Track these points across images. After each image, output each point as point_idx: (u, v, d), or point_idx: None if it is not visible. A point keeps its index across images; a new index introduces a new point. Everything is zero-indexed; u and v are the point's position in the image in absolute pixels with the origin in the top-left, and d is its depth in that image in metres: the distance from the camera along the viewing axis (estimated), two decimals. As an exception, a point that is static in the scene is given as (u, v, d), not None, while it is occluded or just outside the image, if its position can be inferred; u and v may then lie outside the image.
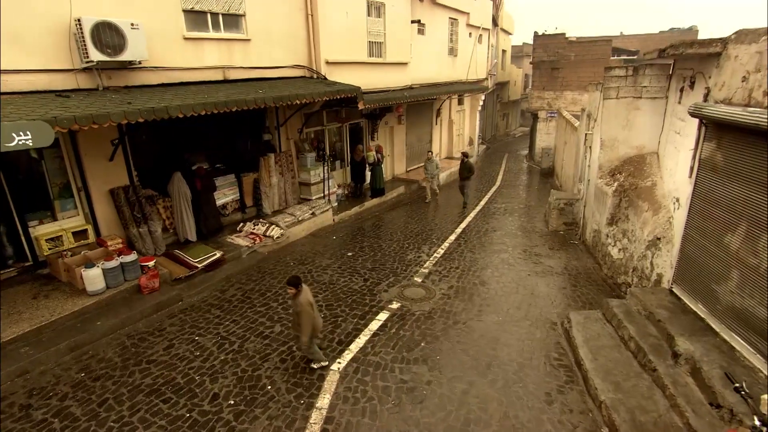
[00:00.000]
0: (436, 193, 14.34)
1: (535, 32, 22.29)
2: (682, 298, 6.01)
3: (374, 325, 6.67)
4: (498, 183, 17.84)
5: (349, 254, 9.55)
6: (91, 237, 7.74)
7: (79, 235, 7.61)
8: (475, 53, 19.12)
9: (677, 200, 6.61)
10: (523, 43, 36.99)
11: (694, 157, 6.00)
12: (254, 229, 9.69)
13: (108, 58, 6.66)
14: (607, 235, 8.62)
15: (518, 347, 6.15)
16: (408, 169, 16.84)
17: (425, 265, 8.95)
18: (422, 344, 6.19)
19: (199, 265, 8.01)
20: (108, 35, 6.60)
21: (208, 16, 8.49)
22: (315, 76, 10.77)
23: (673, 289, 6.25)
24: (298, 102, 8.65)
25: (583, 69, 20.70)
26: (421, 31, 15.00)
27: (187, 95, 7.24)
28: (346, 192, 13.22)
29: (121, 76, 7.31)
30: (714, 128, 5.50)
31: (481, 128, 24.43)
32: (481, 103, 22.73)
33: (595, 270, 8.83)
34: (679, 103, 7.15)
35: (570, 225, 11.14)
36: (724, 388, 4.31)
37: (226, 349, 6.05)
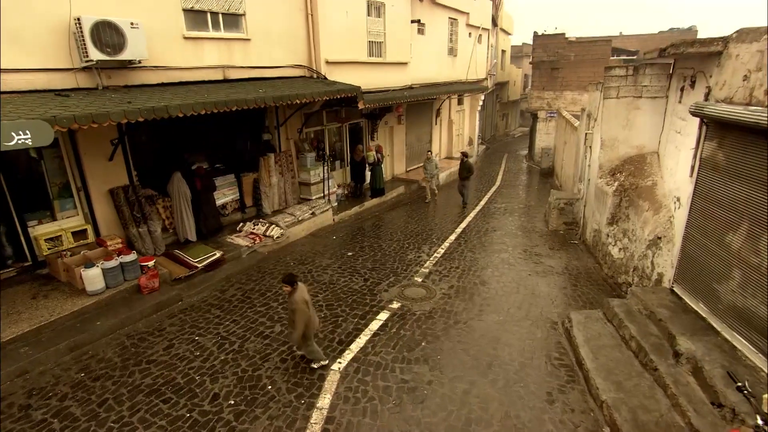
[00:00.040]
0: (434, 193, 14.34)
1: (535, 32, 22.29)
2: (683, 297, 6.00)
3: (375, 325, 6.66)
4: (498, 183, 17.83)
5: (349, 254, 9.54)
6: (91, 237, 7.72)
7: (79, 235, 7.60)
8: (475, 53, 19.13)
9: (678, 199, 6.61)
10: (523, 44, 37.01)
11: (695, 157, 5.99)
12: (254, 229, 9.67)
13: (108, 58, 6.65)
14: (608, 235, 8.61)
15: (519, 347, 6.14)
16: (408, 169, 16.84)
17: (425, 265, 8.94)
18: (423, 344, 6.18)
19: (198, 265, 7.99)
20: (108, 34, 6.59)
21: (208, 15, 8.47)
22: (315, 75, 10.76)
23: (674, 289, 6.24)
24: (298, 102, 8.64)
25: (583, 69, 20.71)
26: (420, 31, 14.99)
27: (187, 95, 7.23)
28: (346, 192, 13.21)
29: (121, 76, 7.29)
30: (715, 127, 5.49)
31: (480, 128, 24.43)
32: (481, 103, 22.73)
33: (596, 270, 8.82)
34: (680, 102, 7.15)
35: (570, 225, 11.14)
36: (725, 387, 4.30)
37: (227, 349, 6.03)
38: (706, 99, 5.85)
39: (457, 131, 20.88)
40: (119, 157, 7.77)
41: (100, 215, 7.79)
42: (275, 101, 8.04)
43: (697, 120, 5.90)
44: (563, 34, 21.56)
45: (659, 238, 6.80)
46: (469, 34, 18.76)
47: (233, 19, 8.95)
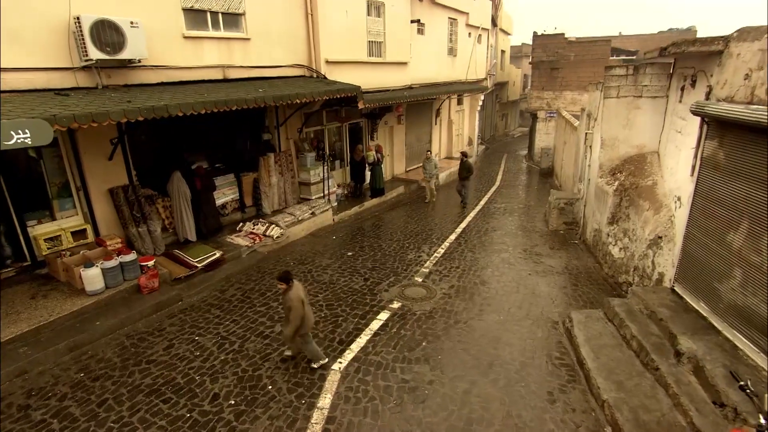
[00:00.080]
0: (433, 193, 14.32)
1: (535, 32, 22.30)
2: (684, 296, 5.99)
3: (375, 325, 6.64)
4: (497, 183, 17.83)
5: (349, 254, 9.52)
6: (90, 237, 7.70)
7: (78, 234, 7.57)
8: (475, 53, 19.13)
9: (678, 199, 6.60)
10: (522, 44, 37.03)
11: (695, 156, 5.99)
12: (254, 228, 9.65)
13: (107, 57, 6.63)
14: (608, 235, 8.61)
15: (520, 346, 6.13)
16: (407, 169, 16.83)
17: (426, 265, 8.93)
18: (423, 344, 6.17)
19: (198, 265, 7.97)
20: (107, 33, 6.57)
21: (208, 14, 8.46)
22: (315, 75, 10.75)
23: (675, 288, 6.24)
24: (298, 101, 8.62)
25: (583, 69, 20.72)
26: (420, 31, 14.99)
27: (187, 94, 7.21)
28: (346, 192, 13.19)
29: (121, 75, 7.27)
30: (716, 126, 5.49)
31: (480, 128, 24.43)
32: (481, 103, 22.73)
33: (596, 269, 8.82)
34: (680, 101, 7.14)
35: (570, 224, 11.13)
36: (727, 386, 4.29)
37: (227, 349, 6.02)
38: (707, 98, 5.85)
39: (457, 131, 20.87)
40: (119, 156, 7.75)
41: (99, 215, 7.76)
42: (275, 101, 8.02)
43: (697, 119, 5.89)
44: (563, 34, 21.57)
45: (660, 237, 6.79)
46: (469, 34, 18.77)
47: (233, 19, 8.94)
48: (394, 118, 15.31)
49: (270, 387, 5.28)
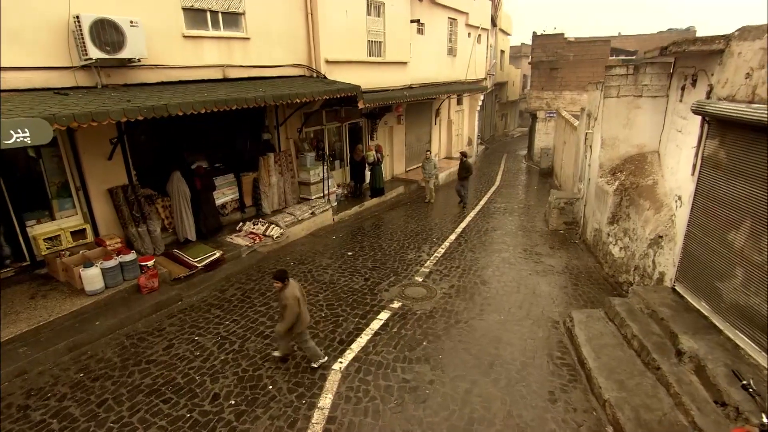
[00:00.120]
0: (432, 194, 14.30)
1: (534, 32, 22.32)
2: (685, 296, 5.98)
3: (375, 325, 6.63)
4: (497, 183, 17.82)
5: (350, 254, 9.51)
6: (90, 236, 7.68)
7: (78, 234, 7.55)
8: (474, 53, 19.13)
9: (679, 198, 6.60)
10: (522, 44, 37.06)
11: (696, 155, 5.98)
12: (254, 228, 9.64)
13: (107, 56, 6.61)
14: (608, 234, 8.60)
15: (521, 346, 6.12)
16: (407, 169, 16.82)
17: (426, 265, 8.91)
18: (424, 343, 6.15)
19: (198, 265, 7.95)
20: (107, 32, 6.55)
21: (208, 14, 8.45)
22: (315, 75, 10.73)
23: (676, 287, 6.23)
24: (298, 101, 8.61)
25: (582, 69, 20.74)
26: (420, 31, 14.98)
27: (187, 93, 7.19)
28: (346, 192, 13.18)
29: (120, 74, 7.26)
30: (717, 125, 5.48)
31: (479, 128, 24.43)
32: (480, 103, 22.73)
33: (596, 269, 8.81)
34: (681, 101, 7.14)
35: (570, 224, 11.13)
36: (729, 385, 4.28)
37: (227, 349, 6.00)
38: (708, 97, 5.84)
39: (457, 131, 20.87)
40: (118, 156, 7.73)
41: (99, 215, 7.74)
42: (275, 100, 8.01)
43: (698, 118, 5.88)
44: (562, 34, 21.59)
45: (660, 236, 6.78)
46: (469, 34, 18.77)
47: (233, 18, 8.92)
48: (393, 118, 15.30)
49: (270, 387, 5.26)
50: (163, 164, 8.60)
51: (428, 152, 14.65)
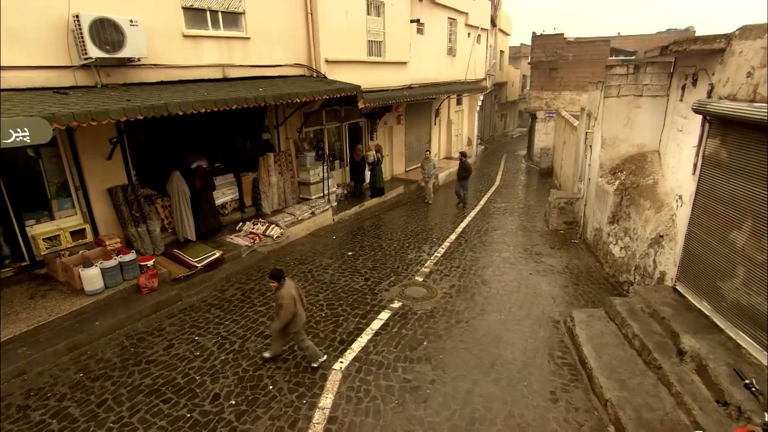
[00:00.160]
0: (430, 194, 14.28)
1: (534, 32, 22.35)
2: (686, 295, 5.98)
3: (376, 324, 6.61)
4: (497, 183, 17.82)
5: (350, 254, 9.49)
6: (89, 236, 7.65)
7: (77, 234, 7.53)
8: (474, 53, 19.13)
9: (680, 198, 6.59)
10: (521, 44, 37.10)
11: (697, 154, 5.98)
12: (254, 228, 9.62)
13: (106, 55, 6.59)
14: (609, 234, 8.59)
15: (522, 346, 6.11)
16: (407, 169, 16.81)
17: (426, 264, 8.90)
18: (425, 343, 6.14)
19: (198, 265, 7.93)
20: (107, 32, 6.53)
21: (208, 13, 8.43)
22: (315, 74, 10.72)
23: (677, 287, 6.22)
24: (298, 100, 8.60)
25: (582, 69, 20.75)
26: (420, 31, 14.98)
27: (187, 93, 7.18)
28: (346, 192, 13.17)
29: (120, 74, 7.24)
30: (718, 124, 5.48)
31: (479, 128, 24.43)
32: (480, 103, 22.73)
33: (597, 269, 8.80)
34: (681, 100, 7.13)
35: (570, 224, 11.12)
36: (731, 385, 4.27)
37: (227, 349, 5.98)
38: (709, 96, 5.84)
39: (456, 131, 20.87)
40: (118, 156, 7.71)
41: (98, 215, 7.72)
42: (275, 100, 8.00)
43: (699, 118, 5.88)
44: (562, 34, 21.61)
45: (661, 236, 6.78)
46: (468, 34, 18.76)
47: (233, 18, 8.91)
48: (393, 118, 15.29)
49: (271, 387, 5.25)
50: (163, 164, 8.58)
51: (428, 152, 14.64)
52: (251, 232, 9.51)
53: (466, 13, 17.84)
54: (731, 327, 5.05)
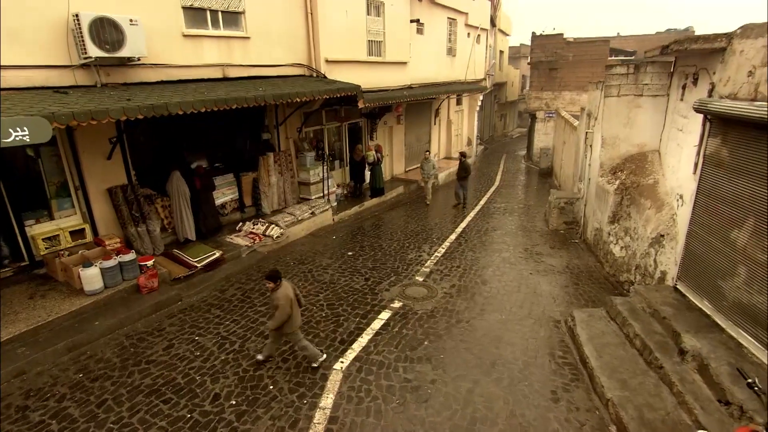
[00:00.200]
0: (429, 194, 14.27)
1: (533, 32, 22.36)
2: (687, 294, 5.97)
3: (376, 324, 6.60)
4: (497, 183, 17.81)
5: (350, 254, 9.48)
6: (89, 236, 7.64)
7: (77, 234, 7.51)
8: (474, 53, 19.13)
9: (681, 197, 6.58)
10: (521, 45, 37.13)
11: (698, 154, 5.97)
12: (254, 228, 9.60)
13: (106, 54, 6.57)
14: (609, 233, 8.59)
15: (522, 345, 6.10)
16: (407, 169, 16.80)
17: (426, 264, 8.89)
18: (425, 343, 6.13)
19: (198, 265, 7.92)
20: (106, 31, 6.52)
21: (208, 13, 8.42)
22: (315, 74, 10.71)
23: (678, 286, 6.22)
24: (298, 100, 8.59)
25: (581, 69, 20.76)
26: (420, 31, 14.98)
27: (187, 92, 7.16)
28: (346, 192, 13.15)
29: (120, 73, 7.22)
30: (719, 124, 5.47)
31: (479, 129, 24.43)
32: (479, 103, 22.73)
33: (597, 268, 8.79)
34: (682, 100, 7.13)
35: (570, 224, 11.11)
36: (732, 384, 4.26)
37: (227, 349, 5.96)
38: (710, 95, 5.84)
39: (456, 131, 20.86)
40: (118, 155, 7.69)
41: (98, 214, 7.70)
42: (275, 99, 7.98)
43: (699, 117, 5.88)
44: (561, 34, 21.62)
45: (662, 235, 6.77)
46: (468, 34, 18.76)
47: (233, 18, 8.89)
48: (393, 118, 15.29)
49: (271, 387, 5.23)
50: (163, 164, 8.56)
51: (427, 152, 14.63)
52: (251, 232, 9.49)
53: (466, 13, 17.84)
54: (732, 326, 5.04)
